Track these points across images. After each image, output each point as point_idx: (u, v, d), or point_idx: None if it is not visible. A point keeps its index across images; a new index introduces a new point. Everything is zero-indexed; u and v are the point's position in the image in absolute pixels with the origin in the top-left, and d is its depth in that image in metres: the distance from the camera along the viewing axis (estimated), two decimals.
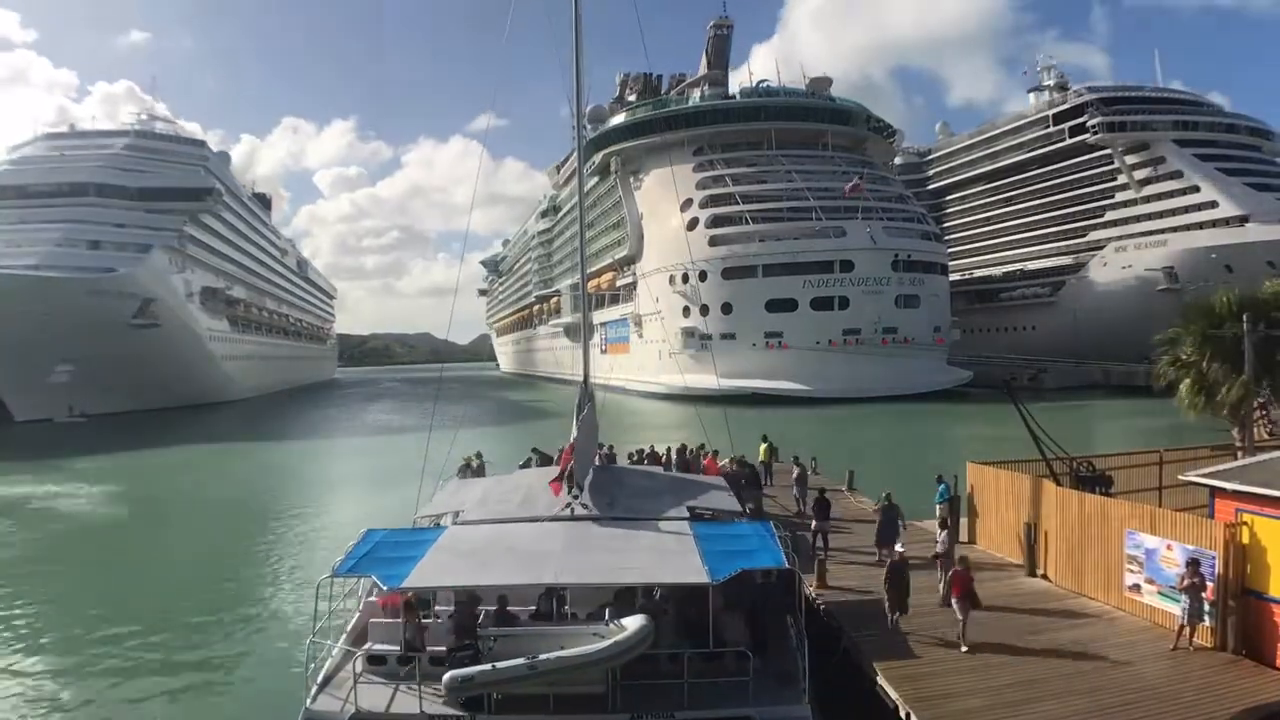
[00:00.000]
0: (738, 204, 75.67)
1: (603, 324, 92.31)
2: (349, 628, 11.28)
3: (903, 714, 9.91)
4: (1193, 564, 11.23)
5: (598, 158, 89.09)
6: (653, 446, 24.32)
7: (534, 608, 11.14)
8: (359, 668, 9.68)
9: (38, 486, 35.72)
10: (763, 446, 24.89)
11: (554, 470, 14.02)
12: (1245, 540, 11.02)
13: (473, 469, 20.27)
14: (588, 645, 9.00)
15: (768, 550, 10.64)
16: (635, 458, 23.07)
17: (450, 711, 8.94)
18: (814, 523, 16.59)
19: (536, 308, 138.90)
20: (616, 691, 9.12)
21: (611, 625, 9.47)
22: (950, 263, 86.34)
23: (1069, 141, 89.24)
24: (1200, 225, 76.60)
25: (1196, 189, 77.74)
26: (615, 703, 9.08)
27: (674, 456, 22.44)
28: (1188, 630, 11.24)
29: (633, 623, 9.32)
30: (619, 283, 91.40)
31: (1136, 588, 12.55)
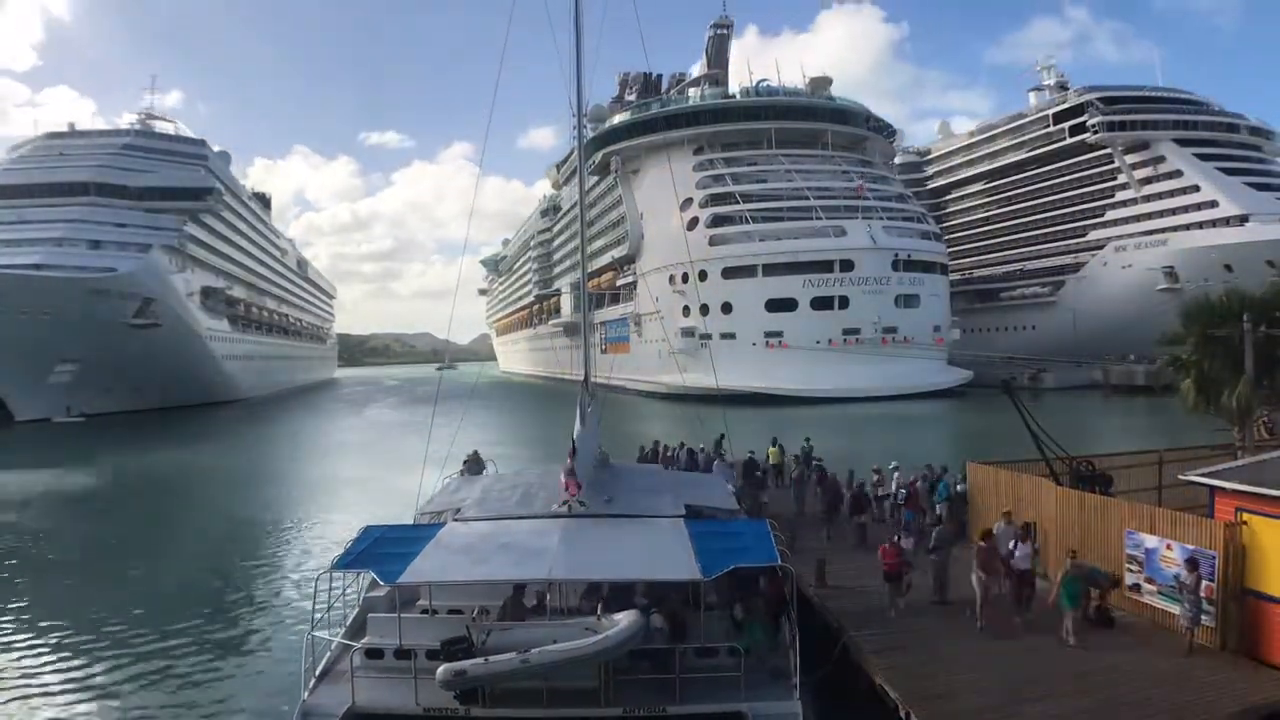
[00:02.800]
0: (738, 203, 75.62)
1: (603, 323, 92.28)
2: (348, 622, 11.39)
3: (902, 713, 9.92)
4: (1190, 563, 11.24)
5: (598, 157, 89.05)
6: (658, 443, 24.50)
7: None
8: (357, 662, 9.75)
9: (36, 485, 35.72)
10: (771, 450, 24.77)
11: (554, 469, 14.09)
12: (1245, 540, 11.03)
13: (470, 464, 20.48)
14: (579, 640, 9.10)
15: (762, 547, 10.70)
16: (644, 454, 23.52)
17: (446, 705, 9.07)
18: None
19: (536, 307, 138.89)
20: (609, 685, 9.22)
21: (603, 620, 9.54)
22: (950, 262, 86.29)
23: (1069, 141, 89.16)
24: (1200, 225, 76.55)
25: (1196, 188, 77.69)
26: (608, 697, 9.19)
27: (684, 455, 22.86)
28: (1188, 633, 11.23)
29: (624, 618, 9.40)
30: (619, 282, 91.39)
31: (1136, 587, 12.56)
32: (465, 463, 20.59)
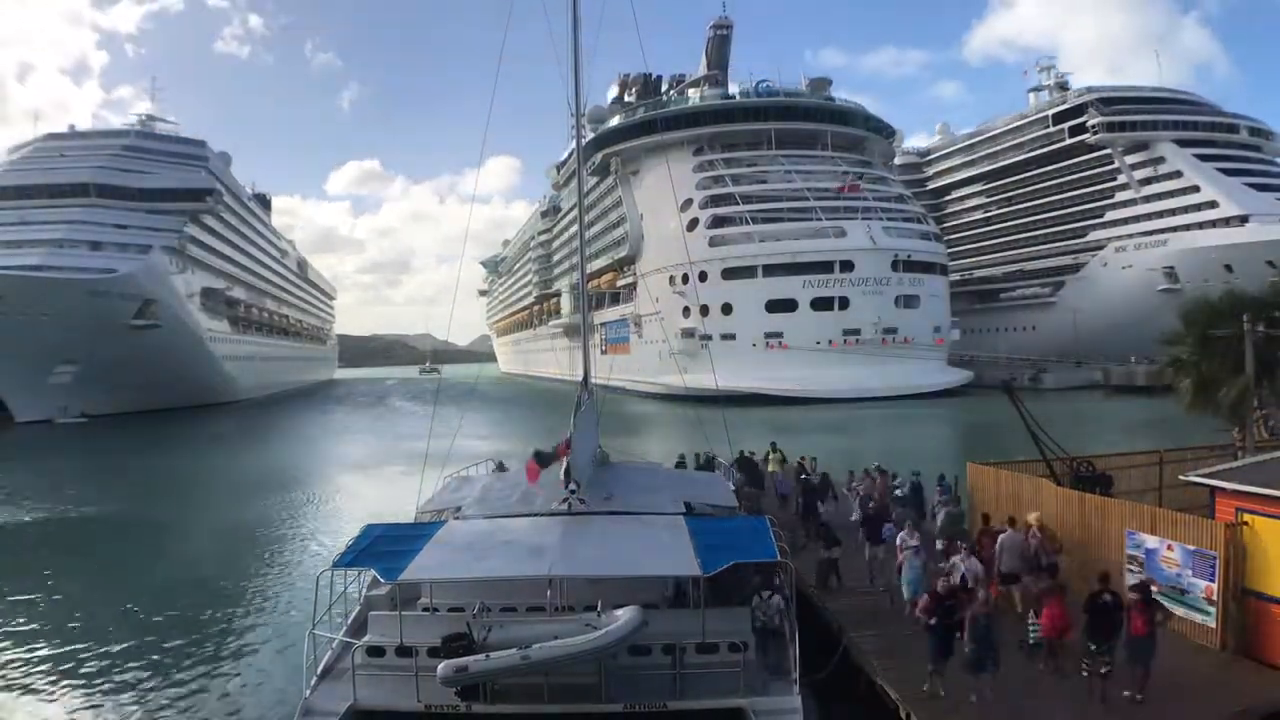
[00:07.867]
0: (737, 204, 75.65)
1: (602, 324, 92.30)
2: (349, 620, 11.43)
3: (903, 714, 9.92)
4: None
5: (597, 158, 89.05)
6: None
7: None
8: (358, 659, 9.78)
9: (36, 485, 35.71)
10: (771, 455, 24.38)
11: (553, 468, 14.08)
12: (1245, 540, 11.02)
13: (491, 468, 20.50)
14: (580, 636, 9.13)
15: (760, 543, 10.75)
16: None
17: (447, 701, 9.12)
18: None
19: (536, 308, 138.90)
20: (609, 681, 9.25)
21: (603, 616, 9.56)
22: (950, 263, 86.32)
23: (1069, 141, 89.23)
24: (1200, 225, 76.60)
25: (1196, 189, 77.73)
26: (608, 692, 9.21)
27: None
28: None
29: (624, 614, 9.43)
30: (619, 283, 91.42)
31: None
32: (493, 471, 20.59)
